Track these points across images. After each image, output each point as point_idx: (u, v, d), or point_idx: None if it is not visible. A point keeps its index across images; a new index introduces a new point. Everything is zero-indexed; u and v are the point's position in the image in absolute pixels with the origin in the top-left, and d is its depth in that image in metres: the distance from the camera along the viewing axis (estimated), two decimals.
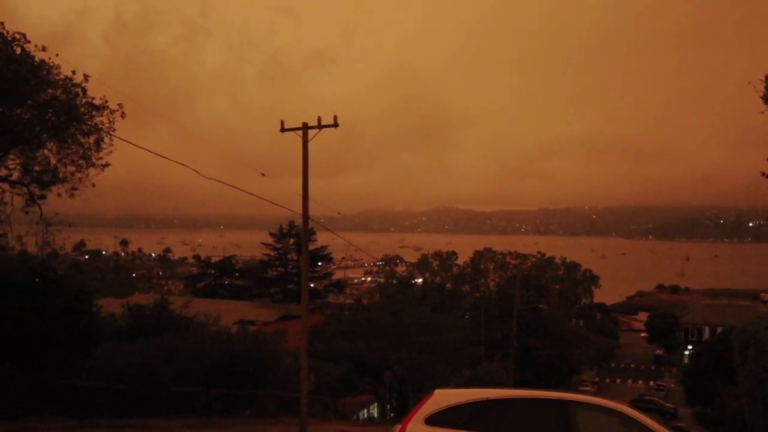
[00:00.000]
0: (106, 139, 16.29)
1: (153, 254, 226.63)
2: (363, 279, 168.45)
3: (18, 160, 15.34)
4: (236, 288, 75.48)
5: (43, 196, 15.95)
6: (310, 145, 22.66)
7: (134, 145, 15.52)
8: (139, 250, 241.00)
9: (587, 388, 69.74)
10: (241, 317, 43.22)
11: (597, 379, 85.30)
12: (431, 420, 8.38)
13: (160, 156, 17.65)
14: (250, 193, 22.30)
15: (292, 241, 75.06)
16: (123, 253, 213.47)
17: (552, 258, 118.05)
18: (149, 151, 17.50)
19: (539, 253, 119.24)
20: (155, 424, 19.08)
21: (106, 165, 16.90)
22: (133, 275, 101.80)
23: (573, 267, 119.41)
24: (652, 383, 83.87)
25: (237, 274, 79.83)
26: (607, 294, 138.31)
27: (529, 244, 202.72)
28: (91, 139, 15.97)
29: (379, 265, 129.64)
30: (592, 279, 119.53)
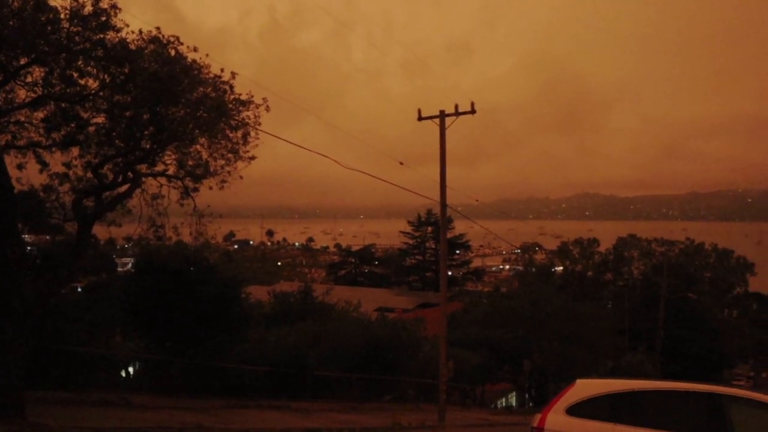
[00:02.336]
0: (252, 133, 17.02)
1: (296, 243, 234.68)
2: (501, 267, 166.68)
3: (174, 156, 16.28)
4: (375, 276, 77.00)
5: (196, 189, 16.85)
6: (448, 133, 22.73)
7: (278, 137, 16.19)
8: (284, 239, 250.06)
9: (741, 383, 65.71)
10: (381, 304, 44.02)
11: (752, 374, 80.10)
12: (573, 410, 8.21)
13: (302, 147, 18.35)
14: (389, 182, 22.68)
15: (429, 229, 75.60)
16: (269, 243, 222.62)
17: (702, 244, 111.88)
18: (291, 143, 18.23)
19: (687, 239, 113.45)
20: (299, 405, 19.88)
21: (253, 158, 17.63)
22: (279, 264, 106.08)
23: (725, 254, 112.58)
24: None
25: (376, 263, 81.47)
26: (764, 283, 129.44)
27: (676, 230, 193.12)
28: (239, 134, 16.69)
29: (518, 252, 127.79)
30: (746, 266, 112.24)
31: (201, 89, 14.91)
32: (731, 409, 7.52)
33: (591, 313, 45.94)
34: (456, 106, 22.43)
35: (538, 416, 8.40)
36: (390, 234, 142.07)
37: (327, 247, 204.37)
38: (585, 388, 8.41)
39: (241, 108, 16.18)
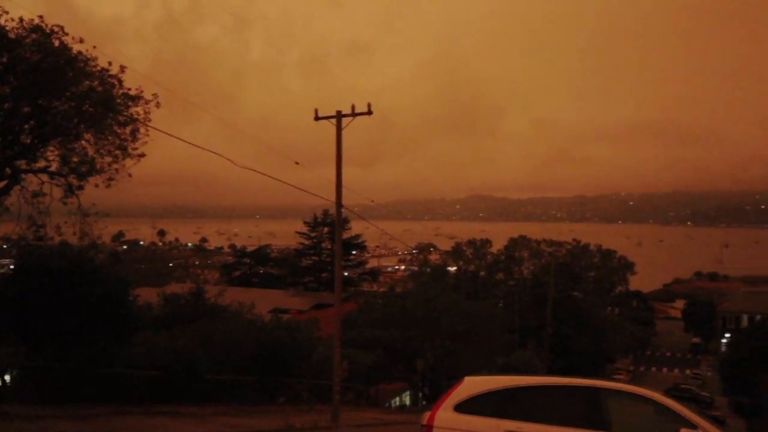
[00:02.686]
0: (142, 130, 16.54)
1: (189, 244, 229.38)
2: (397, 267, 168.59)
3: (57, 152, 15.62)
4: (271, 277, 76.15)
5: (81, 187, 16.23)
6: (345, 134, 22.77)
7: (169, 135, 15.75)
8: (176, 240, 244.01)
9: (622, 377, 69.06)
10: (276, 306, 43.67)
11: (632, 368, 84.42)
12: (461, 407, 8.39)
13: (195, 146, 17.87)
14: (284, 182, 22.45)
15: (326, 229, 75.44)
16: (160, 243, 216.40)
17: (587, 245, 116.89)
18: (183, 140, 17.70)
19: (574, 240, 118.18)
20: (190, 410, 19.41)
21: (142, 155, 17.14)
22: (170, 265, 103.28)
23: (608, 254, 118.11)
24: (688, 372, 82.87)
25: (272, 263, 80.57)
26: (644, 281, 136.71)
27: (564, 232, 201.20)
28: (127, 130, 16.21)
29: (413, 253, 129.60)
30: (627, 266, 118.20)
31: (87, 82, 14.37)
32: (608, 401, 7.90)
33: (483, 312, 47.08)
34: (353, 107, 22.50)
35: (428, 414, 8.53)
36: (286, 234, 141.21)
37: (221, 248, 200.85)
38: (472, 385, 8.61)
39: (130, 103, 15.71)
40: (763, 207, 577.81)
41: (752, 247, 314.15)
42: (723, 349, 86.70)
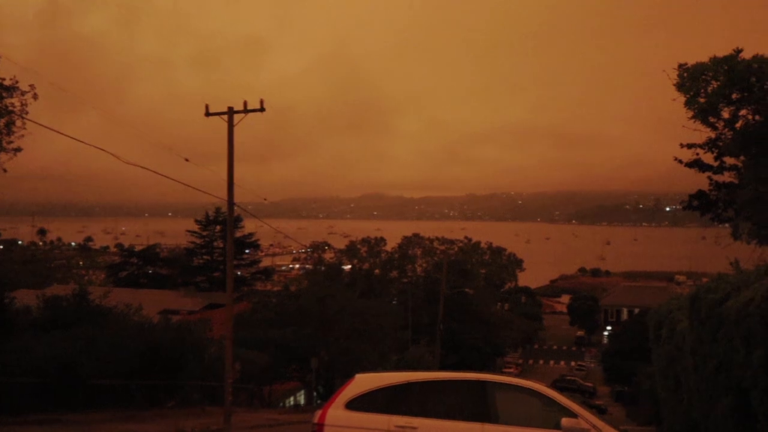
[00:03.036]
0: (18, 122, 15.64)
1: (73, 243, 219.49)
2: (291, 266, 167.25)
3: None
4: (160, 277, 73.86)
5: None
6: (238, 131, 22.37)
7: (48, 128, 14.92)
8: (58, 239, 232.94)
9: (511, 370, 71.43)
10: (165, 307, 42.47)
11: (521, 361, 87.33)
12: (352, 404, 8.40)
13: (77, 140, 16.99)
14: (174, 179, 21.82)
15: (218, 228, 73.87)
16: (41, 243, 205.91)
17: (478, 243, 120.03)
18: (64, 134, 16.77)
19: (466, 238, 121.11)
20: (74, 418, 18.53)
21: (18, 149, 16.22)
22: (51, 265, 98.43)
23: (498, 251, 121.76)
24: (573, 364, 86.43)
25: (161, 263, 78.10)
26: (532, 278, 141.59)
27: (456, 230, 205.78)
28: (1, 122, 15.30)
29: (307, 251, 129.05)
30: (516, 263, 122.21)
31: None
32: (495, 394, 8.11)
33: (377, 310, 47.41)
34: (245, 103, 22.12)
35: (319, 412, 8.49)
36: (176, 233, 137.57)
37: (107, 247, 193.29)
38: (363, 382, 8.65)
39: (4, 94, 14.82)
40: (641, 206, 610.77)
41: (631, 244, 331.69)
42: (605, 341, 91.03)
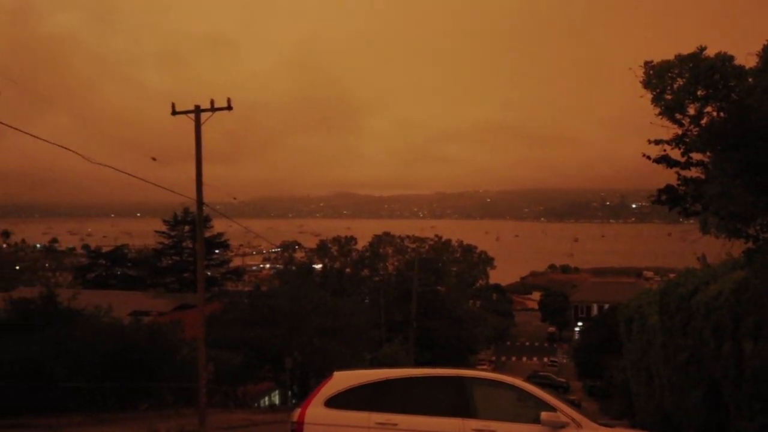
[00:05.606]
0: None
1: (38, 245, 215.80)
2: (261, 266, 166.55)
3: None
4: (129, 278, 73.03)
5: None
6: (206, 130, 22.19)
7: (8, 126, 14.65)
8: (23, 241, 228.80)
9: (485, 367, 71.69)
10: (135, 308, 41.94)
11: (494, 358, 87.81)
12: (331, 402, 8.40)
13: (39, 139, 16.63)
14: (141, 179, 21.58)
15: (187, 228, 73.20)
16: (5, 245, 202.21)
17: (449, 241, 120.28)
18: (26, 133, 16.40)
19: (436, 236, 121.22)
20: (44, 422, 18.27)
21: None
22: (17, 268, 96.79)
23: (469, 249, 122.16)
24: (545, 359, 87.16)
25: (129, 264, 77.21)
26: (502, 275, 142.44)
27: (426, 228, 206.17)
28: None
29: (278, 251, 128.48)
30: (487, 261, 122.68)
31: None
32: (473, 389, 8.18)
33: (350, 309, 47.38)
34: (212, 102, 21.98)
35: (298, 411, 8.47)
36: (144, 234, 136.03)
37: (74, 249, 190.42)
38: (342, 380, 8.65)
39: None
40: (608, 203, 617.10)
41: (599, 241, 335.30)
42: (576, 336, 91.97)
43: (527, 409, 8.01)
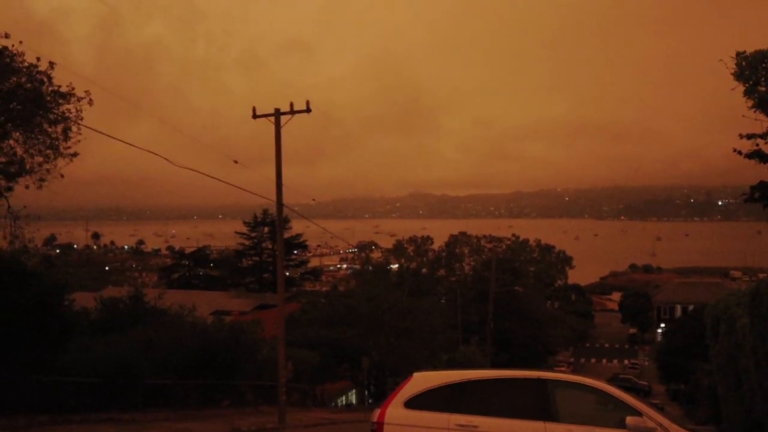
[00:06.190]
0: (74, 128, 15.98)
1: (126, 247, 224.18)
2: (339, 266, 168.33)
3: None
4: (211, 278, 74.87)
5: (10, 188, 15.58)
6: (285, 132, 22.54)
7: (102, 133, 15.22)
8: (112, 242, 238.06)
9: (563, 369, 70.35)
10: (217, 308, 42.94)
11: (572, 360, 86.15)
12: (411, 403, 8.37)
13: (129, 144, 17.26)
14: (223, 181, 22.08)
15: (266, 229, 74.53)
16: (95, 247, 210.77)
17: (526, 240, 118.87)
18: (117, 139, 17.10)
19: (513, 235, 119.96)
20: (131, 417, 18.87)
21: (75, 155, 16.57)
22: (106, 268, 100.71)
23: (547, 249, 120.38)
24: (626, 362, 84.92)
25: (211, 265, 79.18)
26: (581, 275, 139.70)
27: (503, 227, 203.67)
28: (59, 129, 15.65)
29: (355, 251, 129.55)
30: (566, 260, 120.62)
31: (14, 79, 13.79)
32: (556, 392, 7.99)
33: (426, 309, 47.33)
34: (291, 105, 22.29)
35: (378, 411, 8.46)
36: (225, 235, 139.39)
37: (159, 250, 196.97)
38: (422, 381, 8.60)
39: (60, 101, 15.16)
40: (692, 200, 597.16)
41: (682, 240, 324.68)
42: (658, 338, 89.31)
43: (611, 413, 7.78)
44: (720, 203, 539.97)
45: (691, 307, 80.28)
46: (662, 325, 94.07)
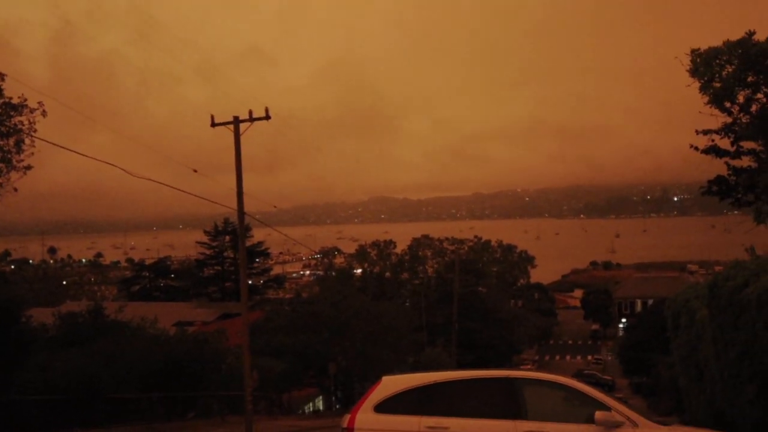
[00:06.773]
0: (27, 141, 15.64)
1: (83, 260, 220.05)
2: (302, 273, 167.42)
3: None
4: (172, 289, 73.95)
5: None
6: (245, 140, 22.34)
7: (55, 144, 14.90)
8: (69, 256, 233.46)
9: (528, 367, 71.04)
10: (179, 318, 42.39)
11: (537, 357, 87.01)
12: (381, 407, 8.32)
13: (85, 156, 16.94)
14: (183, 191, 21.83)
15: (227, 238, 73.80)
16: (51, 261, 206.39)
17: (488, 241, 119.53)
18: (72, 150, 16.75)
19: (475, 237, 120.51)
20: None
21: (29, 168, 16.21)
22: (64, 283, 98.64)
23: (509, 249, 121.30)
24: (590, 358, 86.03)
25: (172, 275, 78.21)
26: (544, 274, 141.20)
27: (464, 229, 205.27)
28: (11, 141, 15.29)
29: (317, 257, 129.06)
30: (527, 260, 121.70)
31: None
32: (524, 390, 8.02)
33: (391, 312, 47.30)
34: (250, 112, 22.12)
35: (348, 416, 8.40)
36: (186, 245, 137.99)
37: (118, 262, 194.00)
38: (390, 384, 8.56)
39: (12, 113, 14.81)
40: (648, 197, 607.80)
41: (641, 236, 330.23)
42: (620, 333, 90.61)
43: (580, 408, 7.82)
44: (675, 199, 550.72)
45: (650, 302, 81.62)
46: (623, 320, 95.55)
